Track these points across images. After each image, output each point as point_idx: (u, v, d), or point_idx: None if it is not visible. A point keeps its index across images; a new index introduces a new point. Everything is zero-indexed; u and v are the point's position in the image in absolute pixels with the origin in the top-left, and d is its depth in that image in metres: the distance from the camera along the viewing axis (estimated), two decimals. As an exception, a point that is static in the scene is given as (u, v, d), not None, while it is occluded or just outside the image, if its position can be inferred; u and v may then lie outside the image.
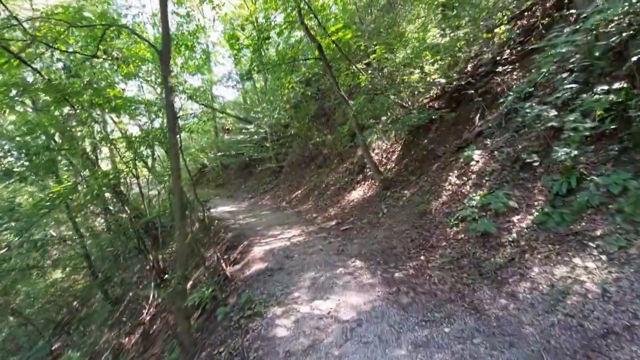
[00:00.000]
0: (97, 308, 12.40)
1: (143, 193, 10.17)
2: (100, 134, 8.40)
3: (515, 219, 4.35)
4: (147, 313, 8.93)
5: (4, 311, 11.32)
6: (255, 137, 15.51)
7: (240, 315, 4.35)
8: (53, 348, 11.93)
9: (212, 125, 20.63)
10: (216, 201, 16.78)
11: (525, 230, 4.07)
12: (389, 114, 8.93)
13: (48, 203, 5.51)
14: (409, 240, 5.45)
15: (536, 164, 4.64)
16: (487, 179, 5.34)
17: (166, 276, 9.92)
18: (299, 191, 12.55)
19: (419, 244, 5.19)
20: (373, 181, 9.25)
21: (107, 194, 11.91)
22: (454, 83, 8.37)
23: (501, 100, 6.65)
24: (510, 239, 4.12)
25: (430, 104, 9.11)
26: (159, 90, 12.10)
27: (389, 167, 9.31)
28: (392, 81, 9.24)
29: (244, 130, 16.61)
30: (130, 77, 8.22)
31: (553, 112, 4.19)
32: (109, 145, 7.74)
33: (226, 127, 22.33)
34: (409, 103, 9.07)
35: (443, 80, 7.78)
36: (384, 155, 9.97)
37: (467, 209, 5.01)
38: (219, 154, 18.10)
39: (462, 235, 4.75)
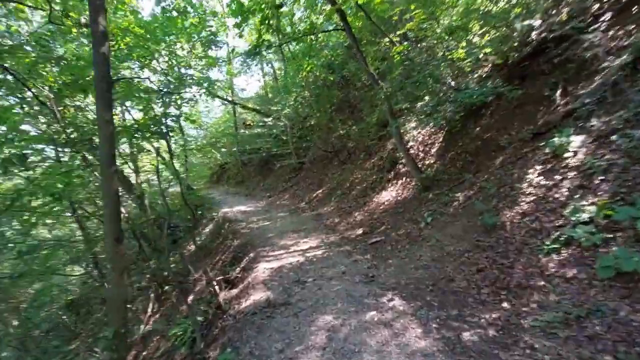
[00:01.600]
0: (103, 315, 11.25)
1: (143, 191, 8.75)
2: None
3: (689, 250, 2.35)
4: (142, 331, 7.50)
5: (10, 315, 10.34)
6: (274, 130, 13.87)
7: (213, 396, 2.65)
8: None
9: (232, 120, 19.27)
10: (233, 200, 15.35)
11: None
12: (427, 95, 6.98)
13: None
14: (474, 270, 3.54)
15: None
16: (601, 178, 3.32)
17: (166, 288, 8.48)
18: (320, 190, 10.78)
19: (495, 279, 3.27)
20: (409, 180, 7.32)
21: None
22: (515, 54, 6.36)
23: (603, 64, 4.57)
24: (695, 291, 2.14)
25: (481, 83, 7.05)
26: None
27: (427, 162, 7.33)
28: (433, 56, 7.27)
29: (260, 124, 15.04)
30: (122, 58, 6.71)
31: None
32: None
33: (247, 123, 20.91)
34: (452, 84, 7.04)
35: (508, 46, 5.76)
36: (421, 148, 7.98)
37: (577, 228, 3.04)
38: (234, 149, 16.64)
39: (575, 272, 2.80)
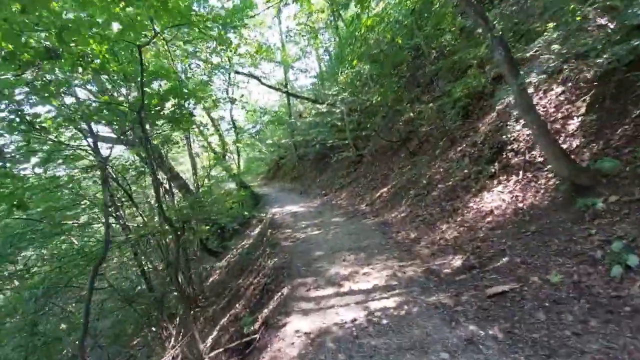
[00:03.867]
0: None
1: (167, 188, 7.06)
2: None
3: None
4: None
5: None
6: (329, 118, 11.55)
7: None
8: None
9: (287, 113, 17.46)
10: (286, 197, 13.48)
11: None
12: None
13: None
14: None
15: None
16: None
17: (197, 309, 6.68)
18: (385, 189, 8.18)
19: None
20: (533, 175, 4.42)
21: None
22: None
23: None
24: None
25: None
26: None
27: (565, 146, 4.31)
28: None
29: (313, 112, 12.86)
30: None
31: None
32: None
33: (303, 115, 18.98)
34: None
35: None
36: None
37: None
38: (283, 141, 14.73)
39: None
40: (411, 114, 8.50)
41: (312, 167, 16.12)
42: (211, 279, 9.53)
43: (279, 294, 3.92)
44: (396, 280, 3.59)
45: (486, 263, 3.38)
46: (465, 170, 5.77)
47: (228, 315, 4.96)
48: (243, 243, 10.08)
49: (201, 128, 11.55)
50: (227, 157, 13.83)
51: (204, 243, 11.46)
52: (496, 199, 4.64)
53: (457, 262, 3.65)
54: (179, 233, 3.73)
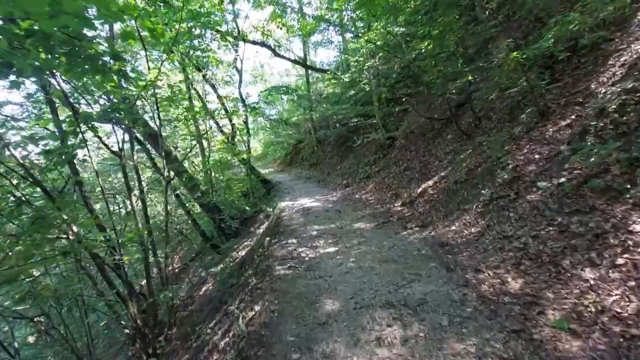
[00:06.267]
0: None
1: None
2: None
3: None
4: None
5: None
6: (352, 91, 9.00)
7: None
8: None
9: (307, 89, 14.95)
10: (302, 187, 11.18)
11: None
12: None
13: None
14: None
15: None
16: None
17: (159, 348, 4.55)
18: (430, 182, 5.64)
19: None
20: None
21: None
22: None
23: None
24: None
25: None
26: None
27: None
28: None
29: (333, 81, 10.31)
30: None
31: None
32: None
33: (323, 96, 16.44)
34: None
35: None
36: None
37: None
38: (294, 119, 12.31)
39: None
40: (469, 78, 5.82)
41: (332, 152, 13.66)
42: (204, 289, 7.54)
43: None
44: None
45: None
46: (593, 159, 3.12)
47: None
48: (245, 243, 7.98)
49: (203, 98, 9.38)
50: (236, 139, 11.64)
51: (208, 238, 9.56)
52: None
53: None
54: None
